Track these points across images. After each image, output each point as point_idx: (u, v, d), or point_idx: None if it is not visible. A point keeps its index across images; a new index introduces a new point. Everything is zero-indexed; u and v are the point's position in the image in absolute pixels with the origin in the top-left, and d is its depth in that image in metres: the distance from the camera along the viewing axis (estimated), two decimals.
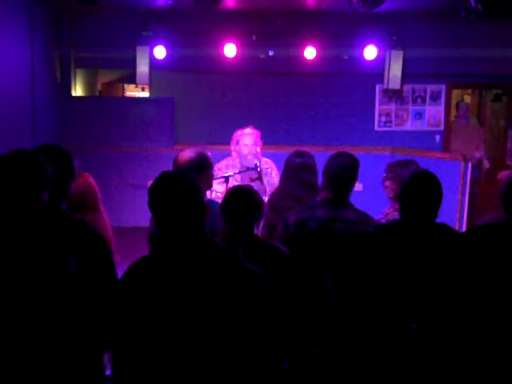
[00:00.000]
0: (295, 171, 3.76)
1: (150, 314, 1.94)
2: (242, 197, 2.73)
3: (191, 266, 1.96)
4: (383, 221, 3.64)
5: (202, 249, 2.00)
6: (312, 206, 3.29)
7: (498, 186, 3.31)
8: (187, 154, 3.43)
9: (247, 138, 4.96)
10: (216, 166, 5.03)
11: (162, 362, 1.94)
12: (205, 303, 1.93)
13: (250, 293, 1.98)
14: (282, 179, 3.87)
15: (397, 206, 3.49)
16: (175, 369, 1.93)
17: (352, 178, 3.23)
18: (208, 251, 2.00)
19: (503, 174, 3.87)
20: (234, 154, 5.07)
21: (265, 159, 4.99)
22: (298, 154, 3.84)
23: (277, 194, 3.89)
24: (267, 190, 4.87)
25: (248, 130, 5.04)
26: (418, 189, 2.81)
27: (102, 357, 2.44)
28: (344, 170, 3.20)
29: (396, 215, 3.42)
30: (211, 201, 3.46)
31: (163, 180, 2.09)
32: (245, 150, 4.96)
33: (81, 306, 2.02)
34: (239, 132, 5.05)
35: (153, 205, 2.05)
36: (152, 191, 2.06)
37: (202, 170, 3.38)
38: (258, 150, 5.04)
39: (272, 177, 4.88)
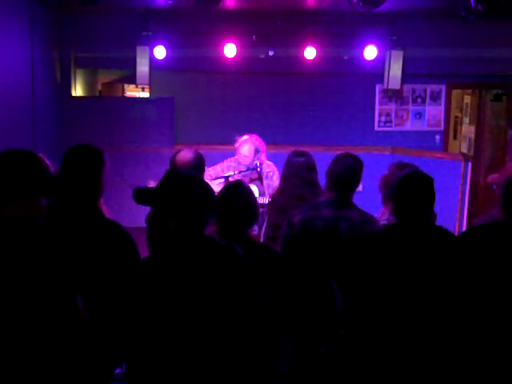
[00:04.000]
0: (299, 170, 3.79)
1: (158, 312, 1.96)
2: (234, 195, 2.70)
3: (194, 264, 1.98)
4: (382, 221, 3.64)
5: (203, 247, 2.01)
6: (316, 205, 3.31)
7: (490, 189, 3.33)
8: (186, 154, 3.46)
9: (245, 147, 4.91)
10: (218, 166, 5.04)
11: (169, 355, 1.96)
12: (209, 298, 1.95)
13: (249, 286, 2.01)
14: (285, 178, 3.87)
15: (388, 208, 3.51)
16: (183, 361, 1.95)
17: (356, 178, 3.28)
18: (209, 249, 2.02)
19: (493, 177, 3.85)
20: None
21: (267, 162, 4.97)
22: (299, 154, 3.86)
23: (280, 194, 3.89)
24: (266, 192, 4.87)
25: (244, 137, 5.00)
26: (408, 189, 2.78)
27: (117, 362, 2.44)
28: (348, 171, 3.25)
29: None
30: None
31: (173, 178, 2.09)
32: (241, 159, 4.93)
33: (72, 306, 2.02)
34: (238, 141, 4.99)
35: (159, 202, 2.06)
36: (160, 189, 2.07)
37: (201, 169, 3.44)
38: (264, 157, 4.98)
39: (273, 180, 4.88)
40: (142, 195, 2.11)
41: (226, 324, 1.95)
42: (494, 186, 3.49)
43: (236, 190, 2.71)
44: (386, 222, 3.57)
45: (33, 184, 2.12)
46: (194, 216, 2.02)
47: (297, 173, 3.79)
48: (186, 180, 2.08)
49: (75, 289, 2.05)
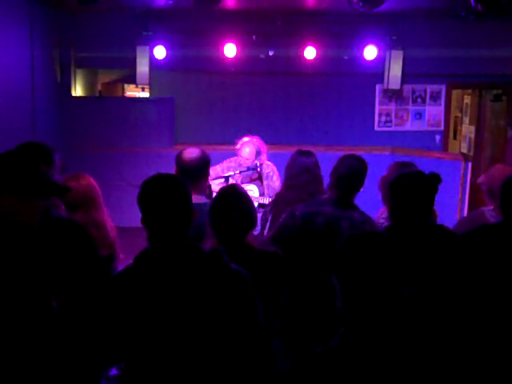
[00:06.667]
0: (309, 169, 3.80)
1: (141, 321, 1.94)
2: (230, 200, 2.62)
3: (178, 273, 1.96)
4: (382, 222, 3.64)
5: (187, 255, 1.99)
6: (319, 201, 3.33)
7: (479, 190, 3.35)
8: (192, 153, 3.43)
9: (246, 149, 4.89)
10: (218, 166, 5.03)
11: (158, 363, 1.94)
12: (193, 307, 1.93)
13: (235, 293, 1.99)
14: (292, 177, 3.84)
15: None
16: (171, 369, 1.94)
17: (359, 180, 3.30)
18: (194, 256, 2.00)
19: (481, 179, 3.86)
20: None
21: (267, 163, 4.97)
22: (306, 153, 3.88)
23: (289, 193, 3.84)
24: (266, 192, 4.87)
25: (245, 139, 4.98)
26: (400, 191, 2.73)
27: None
28: (352, 172, 3.26)
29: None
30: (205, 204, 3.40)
31: (156, 181, 2.09)
32: (241, 161, 4.93)
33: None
34: (239, 143, 4.97)
35: (142, 205, 2.05)
36: (143, 192, 2.08)
37: (206, 168, 3.42)
38: (264, 158, 4.96)
39: (273, 181, 4.87)
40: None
41: (214, 330, 1.94)
42: (483, 187, 3.50)
43: (230, 198, 2.64)
44: (384, 220, 3.58)
45: (27, 184, 2.11)
46: (174, 220, 2.00)
47: (307, 171, 3.80)
48: (163, 185, 2.07)
49: (51, 290, 2.05)
